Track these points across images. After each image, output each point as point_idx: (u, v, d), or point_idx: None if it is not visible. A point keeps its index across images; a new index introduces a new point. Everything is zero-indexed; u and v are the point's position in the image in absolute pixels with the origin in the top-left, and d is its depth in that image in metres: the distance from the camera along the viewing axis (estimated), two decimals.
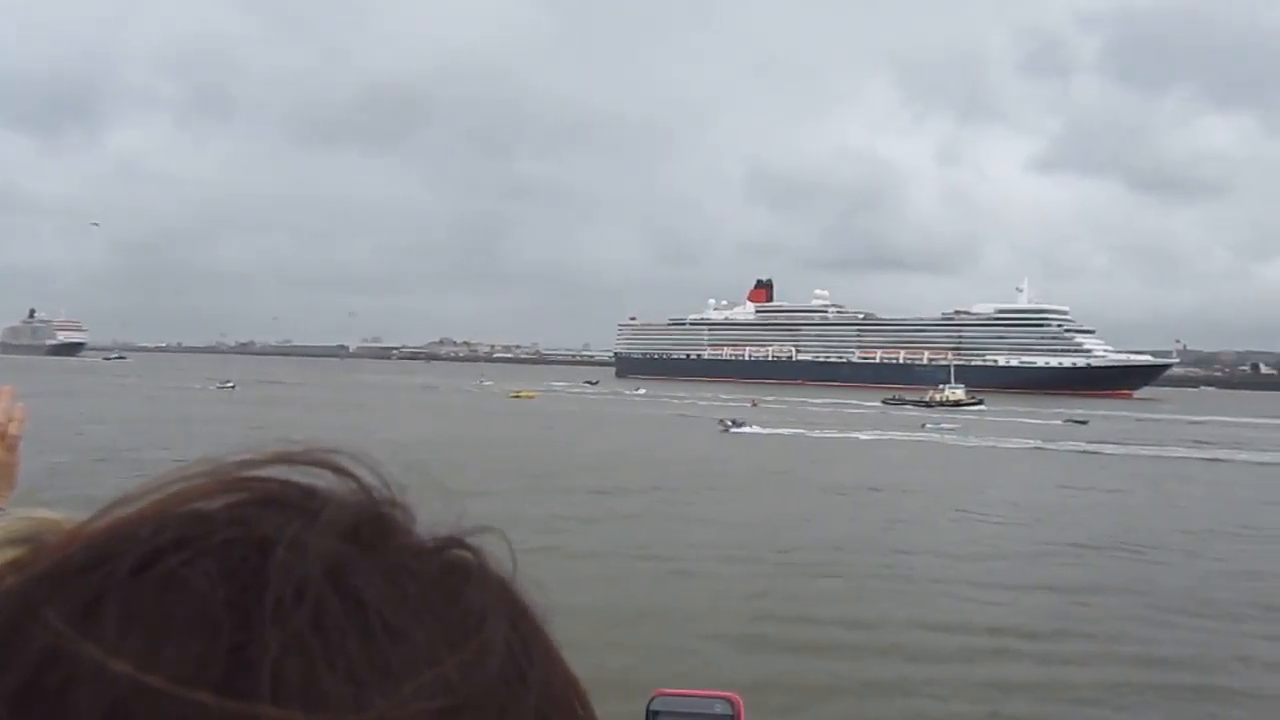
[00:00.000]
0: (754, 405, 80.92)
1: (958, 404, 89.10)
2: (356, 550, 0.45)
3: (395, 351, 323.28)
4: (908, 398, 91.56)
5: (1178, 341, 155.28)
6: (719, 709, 0.89)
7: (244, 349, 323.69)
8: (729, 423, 57.93)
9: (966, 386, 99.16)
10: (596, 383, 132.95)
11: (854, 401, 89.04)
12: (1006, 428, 64.22)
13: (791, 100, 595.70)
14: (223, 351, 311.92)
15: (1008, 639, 15.36)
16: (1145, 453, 50.46)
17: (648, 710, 0.90)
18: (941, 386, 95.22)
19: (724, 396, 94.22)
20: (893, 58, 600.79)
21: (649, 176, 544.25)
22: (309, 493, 0.47)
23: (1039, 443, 53.50)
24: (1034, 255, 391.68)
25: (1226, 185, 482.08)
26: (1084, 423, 68.87)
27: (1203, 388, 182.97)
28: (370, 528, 0.47)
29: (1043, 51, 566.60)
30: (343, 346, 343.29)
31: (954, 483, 35.81)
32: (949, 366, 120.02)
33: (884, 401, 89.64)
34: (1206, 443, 56.16)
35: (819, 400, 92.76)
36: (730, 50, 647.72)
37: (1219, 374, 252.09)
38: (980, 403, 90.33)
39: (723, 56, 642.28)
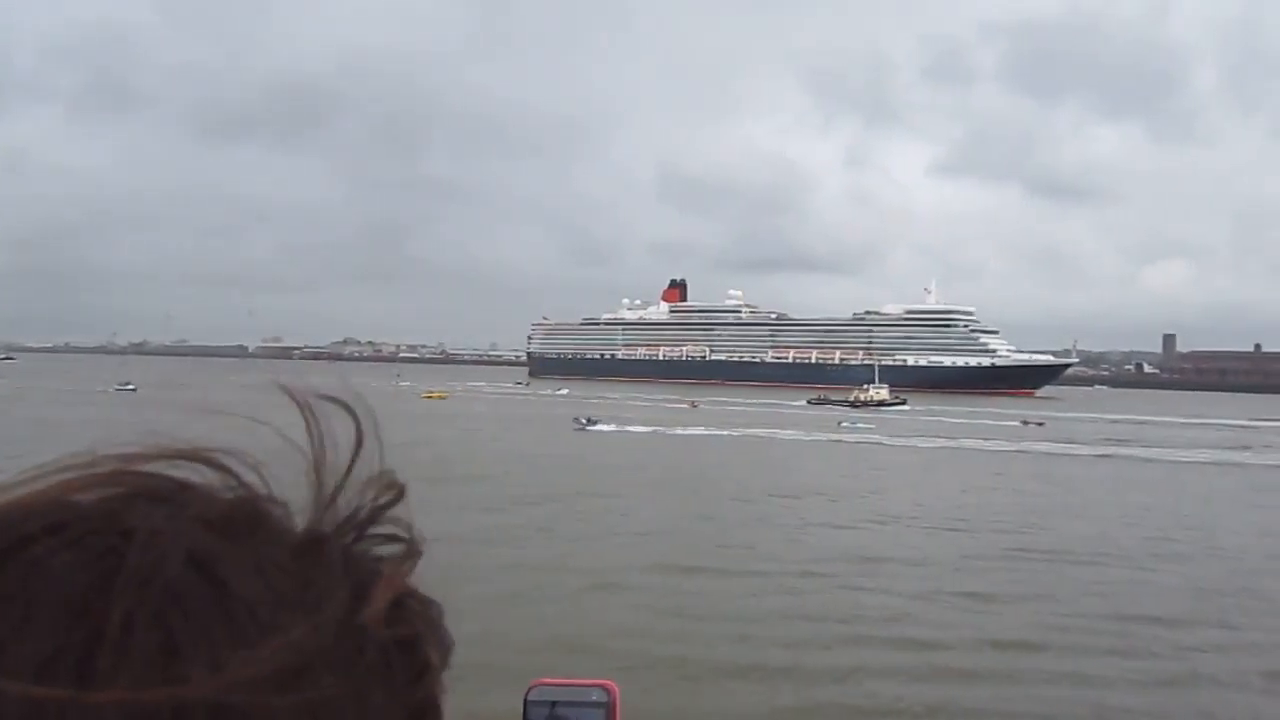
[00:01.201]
0: (693, 407, 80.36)
1: (882, 404, 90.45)
2: (221, 540, 0.47)
3: (297, 352, 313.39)
4: (833, 397, 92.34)
5: (1075, 342, 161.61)
6: (595, 696, 0.90)
7: (136, 349, 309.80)
8: (583, 420, 57.43)
9: (890, 386, 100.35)
10: (527, 384, 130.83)
11: (783, 401, 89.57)
12: (927, 427, 65.65)
13: (703, 102, 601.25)
14: (113, 352, 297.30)
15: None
16: (1082, 452, 51.83)
17: (525, 700, 0.90)
18: (866, 386, 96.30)
19: (657, 397, 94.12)
20: (802, 62, 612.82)
21: (561, 176, 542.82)
22: (183, 486, 0.50)
23: (959, 441, 54.46)
24: (936, 257, 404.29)
25: (1116, 192, 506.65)
26: (1040, 424, 69.28)
27: (1097, 386, 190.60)
28: (240, 520, 0.49)
29: (946, 59, 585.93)
30: (241, 346, 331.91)
31: (860, 482, 36.35)
32: (874, 366, 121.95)
33: (809, 401, 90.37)
34: (1135, 441, 58.10)
35: (754, 400, 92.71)
36: (643, 52, 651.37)
37: (1106, 373, 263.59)
38: (904, 402, 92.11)
39: (635, 58, 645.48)
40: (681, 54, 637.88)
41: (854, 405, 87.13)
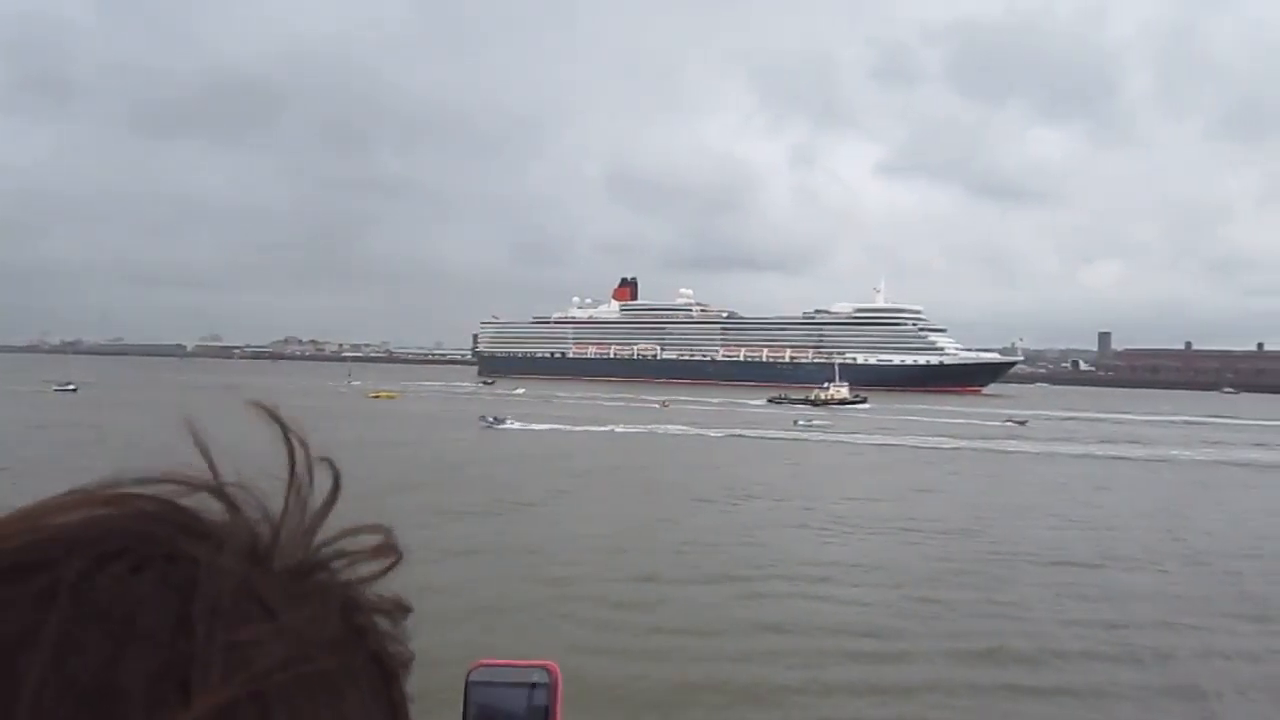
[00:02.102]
0: (664, 406, 79.65)
1: (844, 402, 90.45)
2: (256, 569, 0.55)
3: (237, 351, 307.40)
4: (792, 395, 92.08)
5: (1020, 340, 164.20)
6: (536, 677, 0.90)
7: (69, 348, 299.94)
8: (490, 419, 56.81)
9: (850, 385, 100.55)
10: (493, 383, 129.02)
11: (742, 400, 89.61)
12: (882, 425, 66.24)
13: (652, 101, 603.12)
14: (45, 351, 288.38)
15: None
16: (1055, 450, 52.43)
17: (466, 681, 0.90)
18: (826, 385, 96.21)
19: (624, 396, 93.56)
20: (751, 61, 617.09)
21: (509, 175, 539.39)
22: (205, 518, 0.56)
23: (918, 439, 55.08)
24: (882, 257, 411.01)
25: (1056, 193, 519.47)
26: (1023, 423, 69.54)
27: (1039, 384, 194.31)
28: (261, 552, 0.56)
29: (892, 61, 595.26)
30: (180, 345, 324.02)
31: (807, 480, 36.34)
32: (834, 365, 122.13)
33: (769, 400, 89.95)
34: (1122, 440, 59.02)
35: (715, 400, 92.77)
36: (592, 50, 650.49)
37: (1044, 371, 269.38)
38: (864, 401, 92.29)
39: (584, 56, 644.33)
40: (630, 52, 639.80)
41: (814, 404, 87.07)
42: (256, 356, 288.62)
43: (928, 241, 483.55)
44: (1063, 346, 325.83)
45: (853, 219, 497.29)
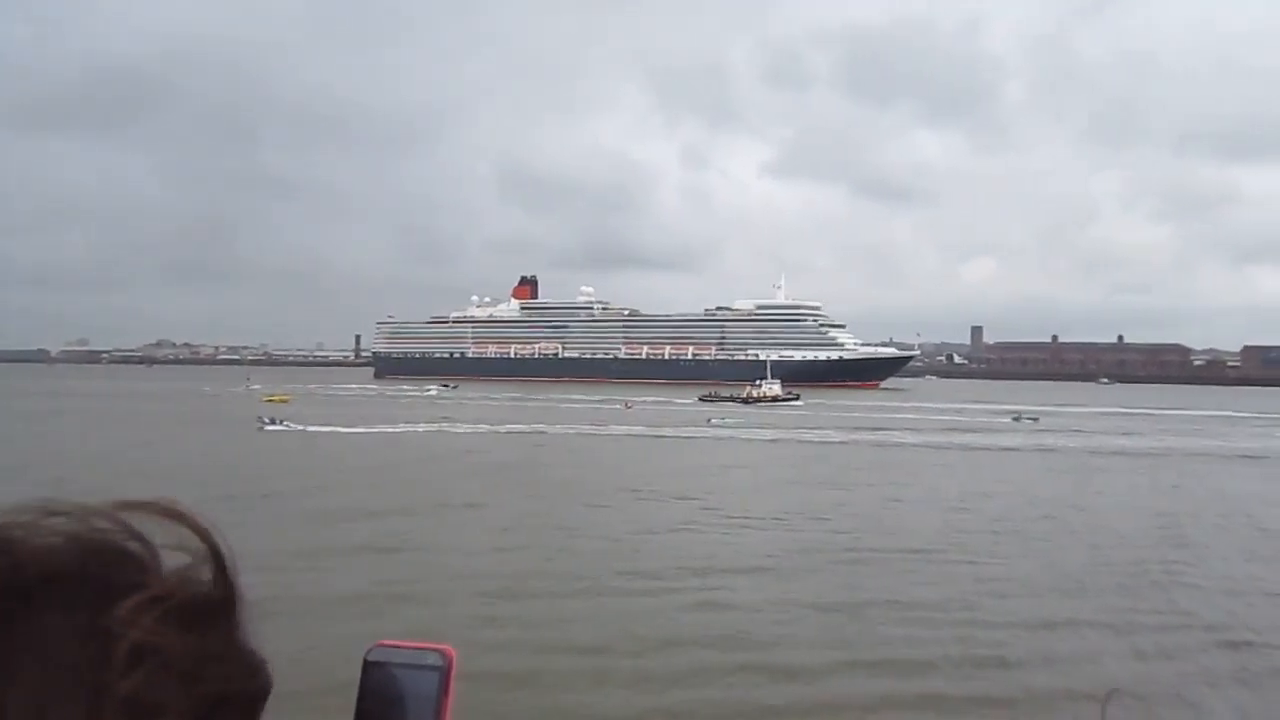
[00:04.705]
0: (627, 407, 78.23)
1: (776, 399, 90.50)
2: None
3: (105, 355, 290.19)
4: (722, 393, 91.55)
5: (918, 335, 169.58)
6: (431, 660, 0.91)
7: None
8: (265, 420, 55.25)
9: (781, 381, 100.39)
10: (455, 386, 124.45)
11: (673, 399, 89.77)
12: (802, 421, 67.16)
13: (545, 100, 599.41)
14: None
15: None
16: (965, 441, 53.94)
17: (364, 660, 0.91)
18: (759, 382, 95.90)
19: (554, 397, 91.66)
20: (645, 63, 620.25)
21: (400, 173, 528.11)
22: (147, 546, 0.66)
23: (844, 435, 55.68)
24: (771, 255, 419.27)
25: (936, 194, 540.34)
26: (1035, 419, 68.09)
27: (928, 377, 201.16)
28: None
29: (782, 64, 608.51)
30: (43, 351, 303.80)
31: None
32: (765, 363, 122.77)
33: (700, 398, 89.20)
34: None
35: (648, 398, 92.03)
36: (485, 47, 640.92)
37: (921, 364, 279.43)
38: (797, 398, 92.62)
39: (477, 53, 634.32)
40: (524, 51, 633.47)
41: (746, 401, 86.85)
42: (126, 361, 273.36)
43: (815, 240, 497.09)
44: (937, 341, 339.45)
45: (743, 218, 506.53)
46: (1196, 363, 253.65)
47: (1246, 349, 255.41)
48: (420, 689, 0.90)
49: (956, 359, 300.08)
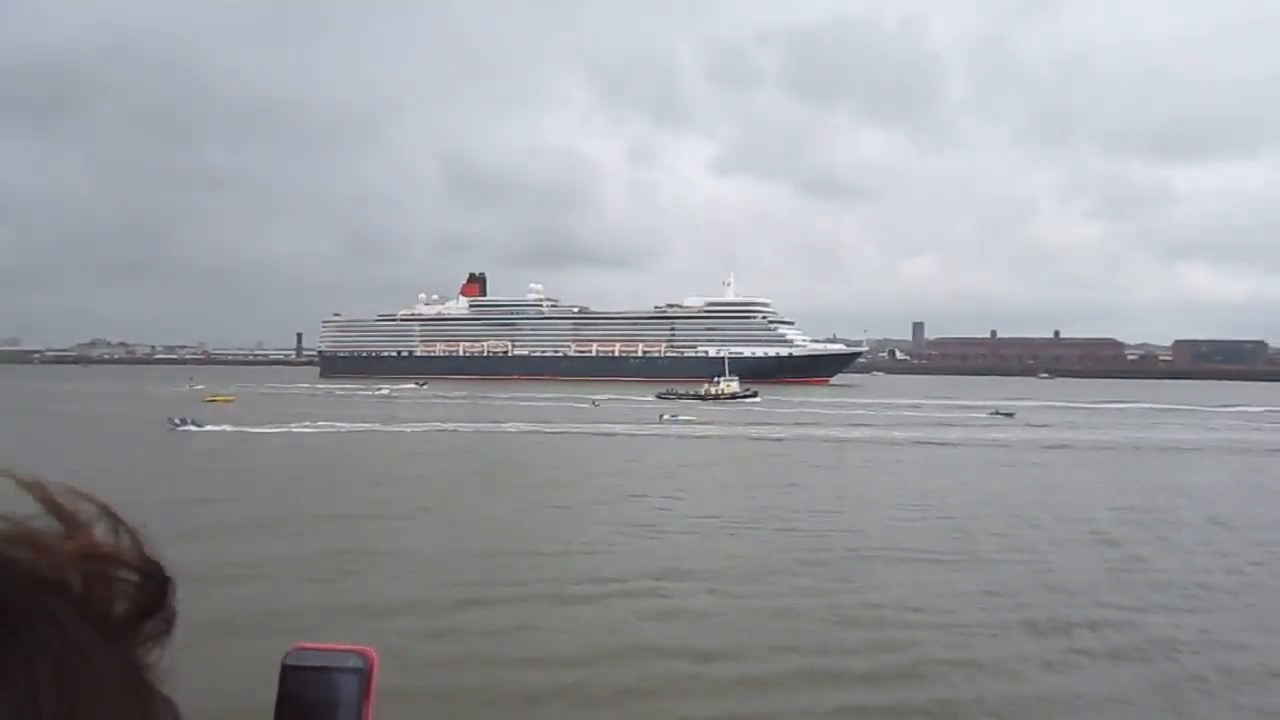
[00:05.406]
0: (595, 405, 78.11)
1: (734, 396, 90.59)
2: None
3: (37, 356, 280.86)
4: (680, 390, 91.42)
5: (865, 332, 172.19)
6: (352, 662, 0.89)
7: None
8: (176, 421, 53.26)
9: (740, 378, 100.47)
10: (425, 384, 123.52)
11: (631, 396, 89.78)
12: (752, 417, 67.73)
13: (490, 97, 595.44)
14: None
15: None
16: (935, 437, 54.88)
17: (282, 664, 0.89)
18: (717, 379, 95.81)
19: (533, 396, 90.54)
20: (590, 60, 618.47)
21: (342, 169, 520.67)
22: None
23: (799, 431, 56.30)
24: (717, 252, 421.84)
25: (879, 192, 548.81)
26: (1010, 415, 69.22)
27: (875, 373, 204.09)
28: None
29: (729, 63, 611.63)
30: None
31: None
32: (718, 360, 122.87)
33: (658, 396, 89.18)
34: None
35: (606, 395, 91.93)
36: (430, 43, 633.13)
37: (863, 360, 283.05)
38: (755, 395, 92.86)
39: (422, 48, 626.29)
40: (468, 46, 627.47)
41: (705, 399, 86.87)
42: (59, 361, 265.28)
43: (761, 237, 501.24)
44: (879, 337, 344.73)
45: (689, 215, 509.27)
46: (1130, 357, 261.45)
47: (1178, 343, 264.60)
48: (341, 692, 0.88)
49: (899, 355, 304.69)
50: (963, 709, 11.95)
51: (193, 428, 52.08)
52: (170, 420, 53.54)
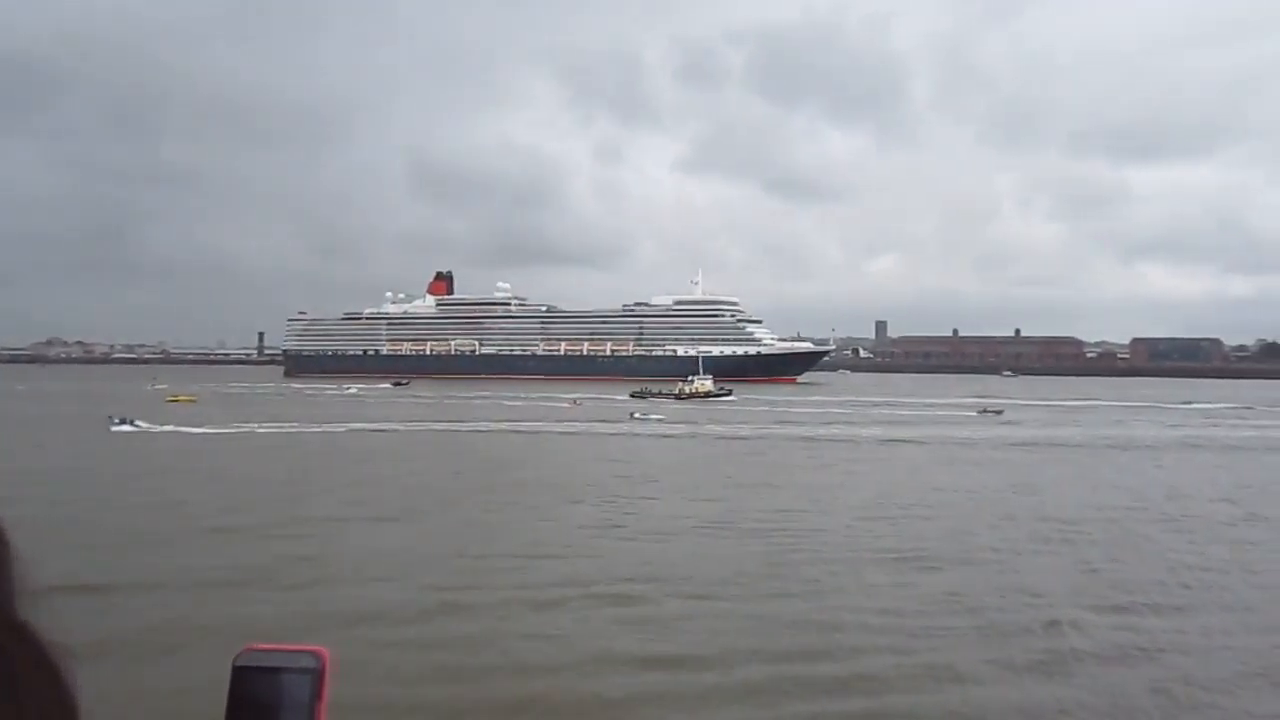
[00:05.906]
0: (575, 404, 77.85)
1: (708, 395, 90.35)
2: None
3: None
4: (653, 389, 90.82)
5: (833, 330, 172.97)
6: (305, 662, 0.89)
7: None
8: (114, 420, 52.60)
9: (715, 377, 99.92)
10: (407, 383, 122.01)
11: (609, 395, 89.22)
12: (718, 416, 67.65)
13: (456, 95, 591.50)
14: None
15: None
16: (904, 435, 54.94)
17: (233, 665, 0.89)
18: (691, 378, 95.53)
19: (506, 394, 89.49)
20: (558, 59, 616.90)
21: (306, 167, 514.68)
22: None
23: (769, 428, 56.65)
24: (684, 251, 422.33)
25: (843, 191, 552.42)
26: (999, 412, 69.70)
27: (841, 371, 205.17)
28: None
29: (696, 62, 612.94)
30: None
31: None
32: (688, 358, 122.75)
33: (632, 394, 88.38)
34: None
35: (580, 394, 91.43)
36: (397, 40, 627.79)
37: (827, 359, 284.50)
38: (729, 393, 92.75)
39: (389, 45, 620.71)
40: (435, 44, 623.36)
41: (680, 397, 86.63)
42: (14, 360, 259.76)
43: (727, 236, 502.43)
44: (843, 335, 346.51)
45: (657, 214, 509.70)
46: (1089, 355, 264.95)
47: (1135, 341, 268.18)
48: (293, 692, 0.88)
49: (862, 353, 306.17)
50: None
51: (129, 428, 51.22)
52: (110, 419, 52.79)
